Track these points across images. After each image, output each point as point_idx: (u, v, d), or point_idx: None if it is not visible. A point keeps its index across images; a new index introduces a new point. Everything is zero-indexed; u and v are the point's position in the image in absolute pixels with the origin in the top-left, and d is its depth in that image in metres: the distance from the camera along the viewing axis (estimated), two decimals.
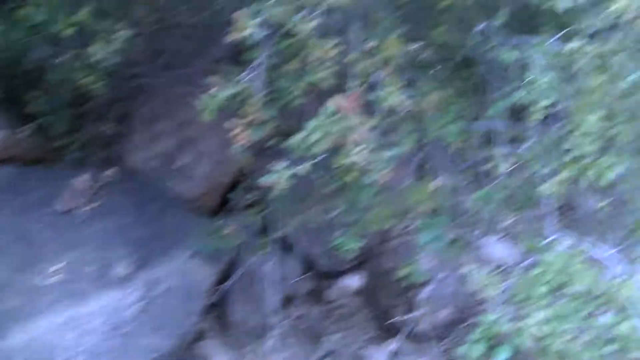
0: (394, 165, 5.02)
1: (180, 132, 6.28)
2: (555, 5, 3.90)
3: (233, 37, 4.07)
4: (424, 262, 6.31)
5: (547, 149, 4.46)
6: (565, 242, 4.87)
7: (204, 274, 6.01)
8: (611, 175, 4.35)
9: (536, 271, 4.48)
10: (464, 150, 5.31)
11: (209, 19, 5.93)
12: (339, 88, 4.33)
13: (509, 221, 6.69)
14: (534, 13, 5.38)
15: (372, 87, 4.33)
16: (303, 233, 6.34)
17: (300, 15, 4.00)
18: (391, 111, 4.55)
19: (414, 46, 5.13)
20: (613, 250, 5.14)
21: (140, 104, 6.43)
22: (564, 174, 4.33)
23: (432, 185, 4.97)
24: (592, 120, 4.26)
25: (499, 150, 4.66)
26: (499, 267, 7.14)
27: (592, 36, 4.74)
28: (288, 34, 4.18)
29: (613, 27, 4.62)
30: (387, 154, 4.28)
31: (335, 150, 4.14)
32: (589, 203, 6.53)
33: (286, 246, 6.66)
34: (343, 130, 3.98)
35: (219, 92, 4.20)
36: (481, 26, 4.75)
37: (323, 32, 4.14)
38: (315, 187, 5.20)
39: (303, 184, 5.47)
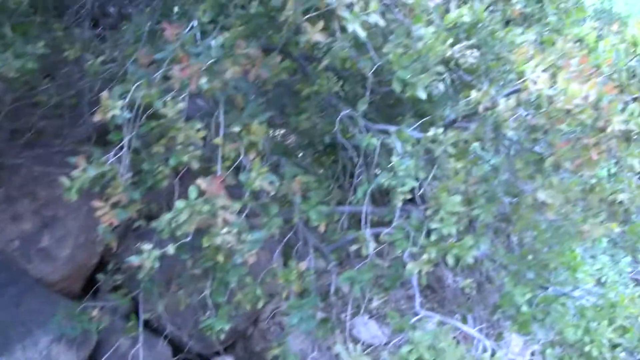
0: (262, 247, 5.05)
1: (43, 213, 6.05)
2: (415, 94, 4.07)
3: (98, 117, 4.01)
4: (295, 343, 6.30)
5: (412, 230, 4.59)
6: (434, 320, 5.00)
7: (68, 359, 5.74)
8: (473, 254, 4.54)
9: (406, 349, 4.55)
10: (332, 232, 5.40)
11: (74, 99, 5.85)
12: (206, 170, 4.35)
13: (378, 301, 6.83)
14: (396, 101, 5.63)
15: (238, 171, 4.36)
16: (173, 314, 6.18)
17: (166, 98, 4.00)
18: (257, 194, 4.59)
19: (279, 131, 5.26)
20: (480, 326, 5.31)
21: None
22: (429, 254, 4.47)
23: (301, 266, 4.99)
24: (453, 202, 4.45)
25: (365, 232, 4.75)
26: (370, 345, 7.25)
27: (451, 124, 5.00)
28: (154, 116, 4.18)
29: (471, 115, 4.89)
30: (253, 236, 4.28)
31: (203, 231, 4.12)
32: (455, 281, 6.77)
33: (156, 328, 6.48)
34: (209, 212, 3.97)
35: (82, 172, 4.11)
36: (345, 113, 4.89)
37: (189, 115, 4.16)
38: (184, 267, 5.13)
39: (172, 264, 5.40)
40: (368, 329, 7.32)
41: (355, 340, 7.46)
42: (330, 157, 5.92)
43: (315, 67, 5.12)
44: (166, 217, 4.02)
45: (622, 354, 4.86)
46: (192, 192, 3.96)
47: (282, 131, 6.11)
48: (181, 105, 3.97)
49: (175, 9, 4.97)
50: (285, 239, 5.30)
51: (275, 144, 5.63)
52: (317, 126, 5.49)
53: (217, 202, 3.97)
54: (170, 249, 4.15)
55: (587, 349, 4.85)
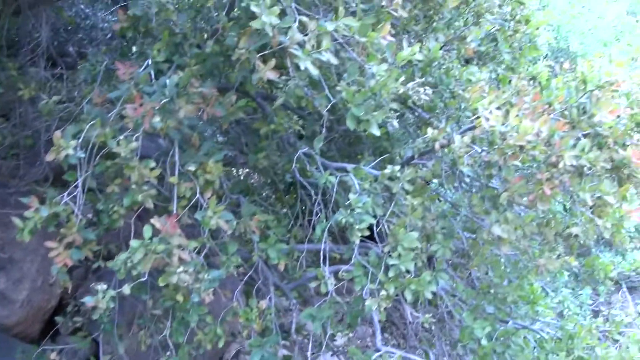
0: (224, 286, 5.03)
1: None
2: (371, 133, 4.09)
3: (51, 157, 3.99)
4: None
5: (371, 266, 4.59)
6: (395, 356, 4.99)
7: None
8: (431, 290, 4.55)
9: None
10: (293, 270, 5.39)
11: (30, 139, 5.80)
12: (166, 210, 4.33)
13: (342, 338, 6.79)
14: (356, 140, 5.66)
15: (195, 209, 4.34)
16: (134, 356, 6.09)
17: (120, 137, 3.99)
18: (216, 233, 4.58)
19: (243, 170, 5.26)
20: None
21: None
22: (387, 290, 4.48)
23: (261, 304, 4.98)
24: (411, 238, 4.48)
25: (324, 270, 4.75)
26: None
27: (408, 161, 5.05)
28: (110, 156, 4.16)
29: (428, 152, 4.94)
30: (211, 275, 4.27)
31: (161, 271, 4.09)
32: (418, 317, 6.77)
33: None
34: (165, 251, 3.95)
35: (35, 213, 4.07)
36: (302, 151, 4.92)
37: (149, 155, 4.15)
38: (145, 308, 5.08)
39: (133, 305, 5.34)
40: None
41: None
42: (292, 196, 5.93)
43: (277, 107, 5.13)
44: (122, 257, 4.00)
45: None
46: (147, 231, 3.95)
47: (246, 170, 6.12)
48: (134, 144, 3.96)
49: (134, 48, 4.98)
50: (246, 278, 5.28)
51: (235, 182, 5.61)
52: (277, 165, 5.50)
53: (173, 241, 3.96)
54: (126, 289, 4.10)
55: None
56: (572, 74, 4.49)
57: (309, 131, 5.38)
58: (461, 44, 5.47)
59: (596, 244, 8.60)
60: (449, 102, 5.36)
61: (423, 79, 4.66)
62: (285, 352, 6.16)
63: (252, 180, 6.25)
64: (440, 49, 5.09)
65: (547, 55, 10.12)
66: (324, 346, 5.11)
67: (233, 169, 6.43)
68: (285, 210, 5.96)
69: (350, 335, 7.20)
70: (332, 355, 6.91)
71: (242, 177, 6.32)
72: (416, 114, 5.66)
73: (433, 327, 5.88)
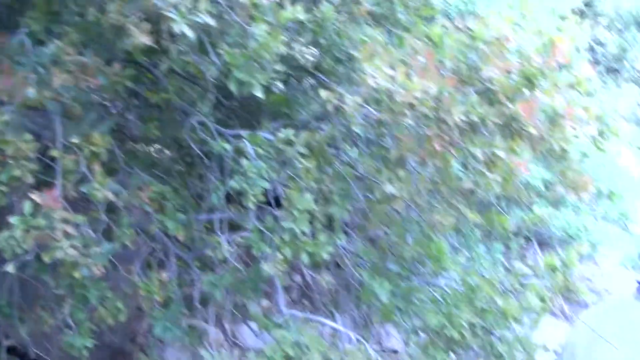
0: (129, 260, 4.93)
1: None
2: (256, 96, 4.03)
3: None
4: (171, 353, 6.26)
5: (267, 231, 4.57)
6: (299, 318, 5.02)
7: None
8: (328, 251, 4.57)
9: (270, 347, 4.54)
10: (192, 239, 5.31)
11: None
12: (46, 184, 4.18)
13: (245, 302, 6.79)
14: (256, 107, 5.58)
15: (81, 182, 4.20)
16: (39, 338, 5.96)
17: None
18: (106, 205, 4.45)
19: (129, 141, 5.13)
20: (349, 321, 5.37)
21: None
22: (284, 253, 4.47)
23: (162, 276, 4.92)
24: (305, 201, 4.46)
25: (222, 237, 4.72)
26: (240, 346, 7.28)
27: (305, 125, 5.02)
28: None
29: (324, 115, 4.92)
30: (104, 248, 4.17)
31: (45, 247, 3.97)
32: (327, 280, 6.82)
33: (24, 354, 6.24)
34: (48, 226, 3.82)
35: None
36: (195, 119, 4.83)
37: (20, 128, 3.97)
38: (48, 288, 4.96)
39: (35, 286, 5.20)
40: (239, 330, 7.34)
41: (242, 347, 7.44)
42: (184, 165, 5.81)
43: (167, 75, 4.99)
44: (4, 235, 3.85)
45: (481, 334, 4.95)
46: (26, 206, 3.81)
47: (133, 140, 5.95)
48: (6, 116, 3.79)
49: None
50: (149, 250, 5.21)
51: (132, 155, 5.44)
52: (169, 133, 5.39)
53: (56, 215, 3.84)
54: (10, 268, 3.95)
55: (447, 332, 4.93)
56: (466, 32, 4.52)
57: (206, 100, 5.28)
58: (355, 5, 5.41)
59: (507, 202, 8.76)
60: (348, 64, 5.32)
61: (317, 41, 4.61)
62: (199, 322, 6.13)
63: (141, 150, 6.05)
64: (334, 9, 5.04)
65: (454, 18, 10.16)
66: (229, 314, 5.10)
67: (142, 144, 6.26)
68: (187, 180, 5.84)
69: (268, 303, 7.21)
70: (236, 321, 6.95)
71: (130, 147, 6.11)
72: (316, 77, 5.61)
73: (339, 289, 5.92)
